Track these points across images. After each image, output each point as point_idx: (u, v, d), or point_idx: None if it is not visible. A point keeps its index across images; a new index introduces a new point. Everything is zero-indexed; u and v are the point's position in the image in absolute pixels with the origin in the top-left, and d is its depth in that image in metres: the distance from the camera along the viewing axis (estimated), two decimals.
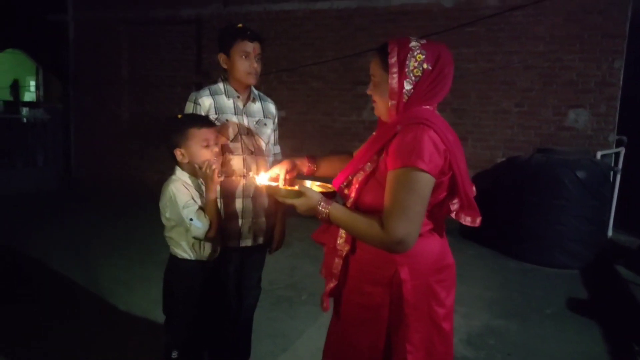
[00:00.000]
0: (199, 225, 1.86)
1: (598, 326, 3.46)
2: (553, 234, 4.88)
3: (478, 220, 1.51)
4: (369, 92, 1.56)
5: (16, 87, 14.37)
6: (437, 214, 1.50)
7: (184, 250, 1.97)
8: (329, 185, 1.62)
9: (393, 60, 1.42)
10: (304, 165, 1.83)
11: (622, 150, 5.71)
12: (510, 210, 5.30)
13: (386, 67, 1.44)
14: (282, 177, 1.75)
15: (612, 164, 5.64)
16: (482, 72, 6.10)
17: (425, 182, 1.34)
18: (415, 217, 1.33)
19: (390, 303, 1.46)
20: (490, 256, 5.27)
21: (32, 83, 15.79)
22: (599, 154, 5.49)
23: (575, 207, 4.82)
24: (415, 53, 1.41)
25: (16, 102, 13.60)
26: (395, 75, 1.42)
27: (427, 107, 1.46)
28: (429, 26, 6.17)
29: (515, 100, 6.02)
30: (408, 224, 1.31)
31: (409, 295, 1.42)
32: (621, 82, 5.61)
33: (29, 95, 15.86)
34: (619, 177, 5.59)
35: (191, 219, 1.86)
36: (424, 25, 6.22)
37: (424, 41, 1.44)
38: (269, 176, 1.75)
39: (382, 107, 1.51)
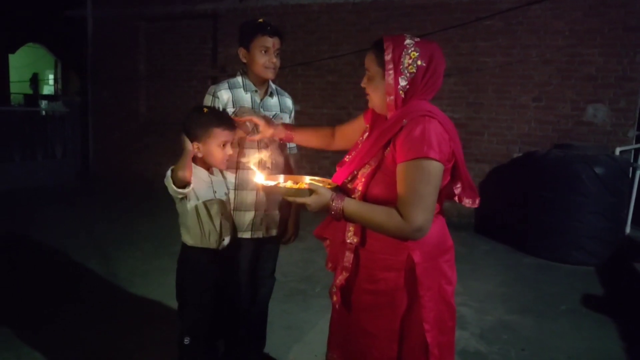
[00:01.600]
0: (169, 178, 1.90)
1: (614, 323, 3.43)
2: (570, 230, 4.82)
3: (477, 201, 1.63)
4: (363, 85, 1.61)
5: (35, 81, 14.62)
6: (441, 198, 1.56)
7: (193, 237, 2.00)
8: (329, 180, 1.64)
9: (388, 57, 1.48)
10: (281, 132, 1.98)
11: None
12: (526, 206, 5.25)
13: (381, 63, 1.50)
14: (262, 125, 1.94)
15: (632, 160, 5.55)
16: (499, 66, 6.03)
17: (438, 170, 1.42)
18: (431, 205, 1.42)
19: (404, 286, 1.51)
20: (505, 252, 5.24)
21: (51, 77, 16.03)
22: (617, 150, 5.40)
23: (593, 203, 4.75)
24: (410, 51, 1.48)
25: (35, 95, 13.85)
26: (391, 72, 1.48)
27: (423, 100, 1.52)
28: (446, 19, 6.12)
29: (533, 95, 5.94)
30: (426, 212, 1.39)
31: (423, 277, 1.48)
32: None
33: (48, 89, 16.11)
34: (638, 173, 5.49)
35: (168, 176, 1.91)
36: (440, 18, 6.17)
37: (417, 39, 1.51)
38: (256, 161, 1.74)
39: (376, 100, 1.58)
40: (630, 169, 5.28)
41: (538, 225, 5.04)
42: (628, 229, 5.44)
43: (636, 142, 5.63)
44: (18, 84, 14.30)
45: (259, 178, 1.64)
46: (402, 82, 1.48)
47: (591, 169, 4.73)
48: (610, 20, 5.52)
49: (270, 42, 2.15)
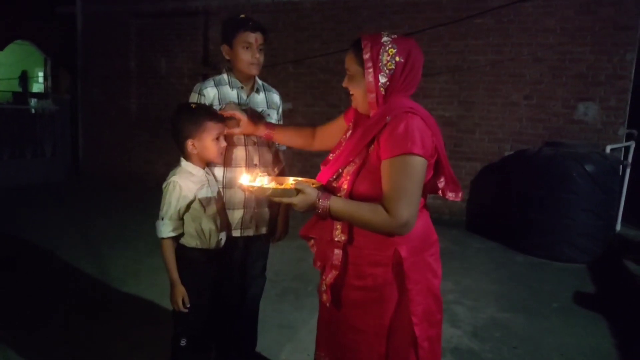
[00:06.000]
0: (161, 228, 1.93)
1: (605, 320, 3.45)
2: (561, 228, 4.85)
3: (460, 194, 1.66)
4: (344, 85, 1.65)
5: (25, 79, 14.43)
6: (425, 193, 1.59)
7: (191, 238, 1.98)
8: (313, 180, 1.64)
9: (367, 55, 1.51)
10: (262, 130, 2.03)
11: (632, 144, 5.66)
12: (518, 204, 5.27)
13: (360, 62, 1.53)
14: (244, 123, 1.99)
15: (622, 158, 5.59)
16: (490, 64, 6.05)
17: (422, 165, 1.45)
18: (416, 199, 1.45)
19: (392, 281, 1.53)
20: (497, 250, 5.26)
21: (41, 74, 15.83)
22: (608, 148, 5.43)
23: (584, 201, 4.78)
24: (387, 48, 1.50)
25: (25, 93, 13.68)
26: (371, 70, 1.51)
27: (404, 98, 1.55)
28: (437, 17, 6.12)
29: (524, 93, 5.96)
30: (411, 206, 1.43)
31: (410, 271, 1.51)
32: (632, 75, 5.54)
33: (38, 87, 15.93)
34: (628, 171, 5.54)
35: (162, 218, 1.93)
36: (432, 16, 6.17)
37: (394, 36, 1.53)
38: (256, 174, 1.75)
39: (359, 98, 1.60)
40: (621, 166, 5.32)
41: (529, 223, 5.06)
42: (618, 227, 5.49)
43: (626, 140, 5.67)
44: (7, 82, 14.12)
45: (244, 180, 1.63)
46: (382, 79, 1.51)
47: (582, 167, 4.76)
48: (601, 18, 5.55)
49: (253, 37, 2.12)
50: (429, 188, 1.61)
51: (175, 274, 1.94)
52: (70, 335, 2.94)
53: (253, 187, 1.57)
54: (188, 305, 1.94)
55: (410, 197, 1.42)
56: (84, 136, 8.93)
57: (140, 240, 4.87)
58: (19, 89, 14.03)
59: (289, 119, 7.49)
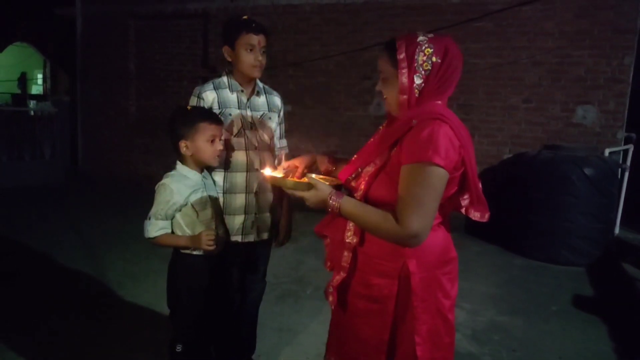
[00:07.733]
0: (148, 228, 1.93)
1: (604, 324, 3.45)
2: (560, 231, 4.85)
3: (487, 215, 1.55)
4: (378, 88, 1.56)
5: (24, 81, 14.43)
6: (446, 209, 1.51)
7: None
8: (334, 178, 1.62)
9: (402, 56, 1.42)
10: (323, 164, 1.83)
11: (631, 147, 5.67)
12: (516, 207, 5.27)
13: (394, 63, 1.44)
14: (300, 170, 1.77)
15: (620, 162, 5.60)
16: (490, 68, 6.06)
17: (441, 177, 1.35)
18: (430, 212, 1.35)
19: (397, 295, 1.47)
20: (496, 253, 5.26)
21: (40, 76, 15.84)
22: (607, 151, 5.45)
23: (583, 204, 4.78)
24: (424, 47, 1.40)
25: (24, 95, 13.69)
26: (405, 71, 1.41)
27: (438, 102, 1.45)
28: (437, 21, 6.13)
29: (523, 96, 5.98)
30: (423, 218, 1.33)
31: (417, 287, 1.43)
32: (631, 79, 5.56)
33: (37, 89, 15.93)
34: (627, 174, 5.55)
35: (149, 218, 1.93)
36: (431, 20, 6.18)
37: (431, 35, 1.44)
38: (281, 167, 1.76)
39: (393, 102, 1.51)
40: (619, 170, 5.33)
41: (528, 226, 5.06)
42: (617, 230, 5.49)
43: (625, 144, 5.68)
44: (6, 84, 14.14)
45: (267, 171, 1.67)
46: (418, 80, 1.42)
47: (581, 170, 4.77)
48: (600, 22, 5.57)
49: (256, 39, 2.09)
50: (451, 204, 1.52)
51: (184, 241, 1.92)
52: (67, 338, 2.93)
53: (272, 176, 1.60)
54: (213, 247, 1.89)
55: (423, 208, 1.33)
56: (83, 138, 8.93)
57: (138, 242, 4.85)
58: (18, 91, 14.03)
59: (288, 121, 7.44)
